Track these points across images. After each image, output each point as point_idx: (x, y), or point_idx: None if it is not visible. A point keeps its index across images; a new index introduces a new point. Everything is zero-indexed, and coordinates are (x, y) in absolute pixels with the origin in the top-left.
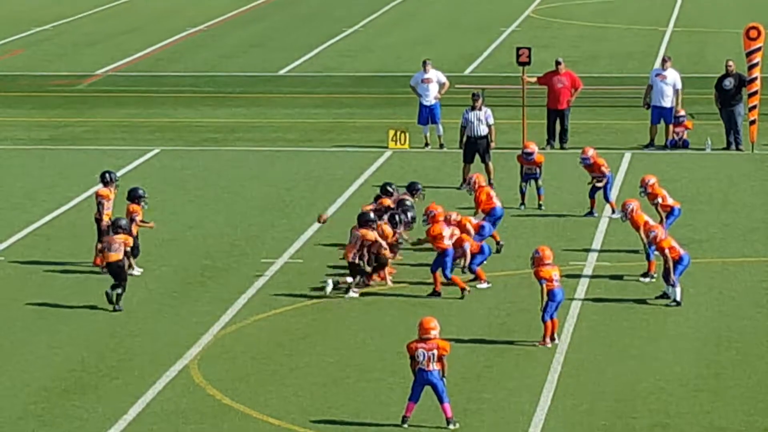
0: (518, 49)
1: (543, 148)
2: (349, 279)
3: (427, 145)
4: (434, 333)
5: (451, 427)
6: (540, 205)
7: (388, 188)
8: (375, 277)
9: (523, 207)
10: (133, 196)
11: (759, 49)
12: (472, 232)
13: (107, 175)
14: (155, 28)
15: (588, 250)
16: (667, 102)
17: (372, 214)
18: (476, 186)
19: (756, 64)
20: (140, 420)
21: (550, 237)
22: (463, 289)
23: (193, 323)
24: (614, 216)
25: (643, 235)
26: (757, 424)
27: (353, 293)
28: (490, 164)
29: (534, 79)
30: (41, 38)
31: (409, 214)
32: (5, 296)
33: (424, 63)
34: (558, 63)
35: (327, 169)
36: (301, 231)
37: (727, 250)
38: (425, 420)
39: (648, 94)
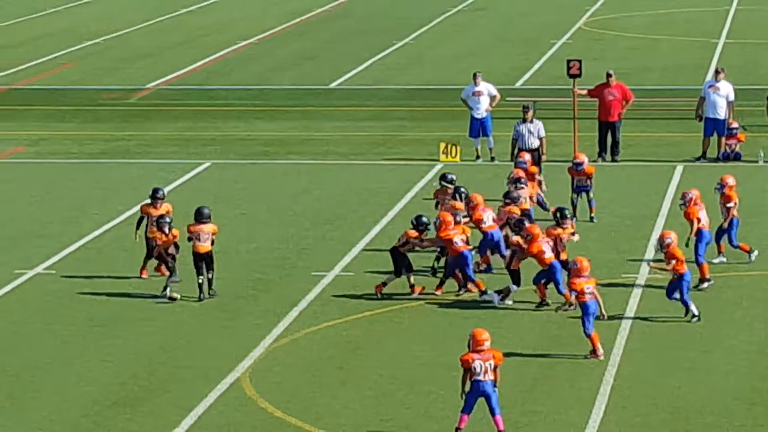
0: (569, 61)
1: (594, 161)
2: (513, 287)
3: (478, 158)
4: (487, 344)
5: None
6: (592, 218)
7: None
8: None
9: (575, 219)
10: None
11: None
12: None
13: (155, 191)
14: (206, 41)
15: (640, 261)
16: (721, 114)
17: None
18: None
19: None
20: None
21: (602, 249)
22: (541, 300)
23: (245, 336)
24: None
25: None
26: None
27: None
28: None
29: (585, 92)
30: (92, 52)
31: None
32: (57, 309)
33: (475, 75)
34: (609, 75)
35: (378, 183)
36: (353, 244)
37: None
38: None
39: (700, 106)
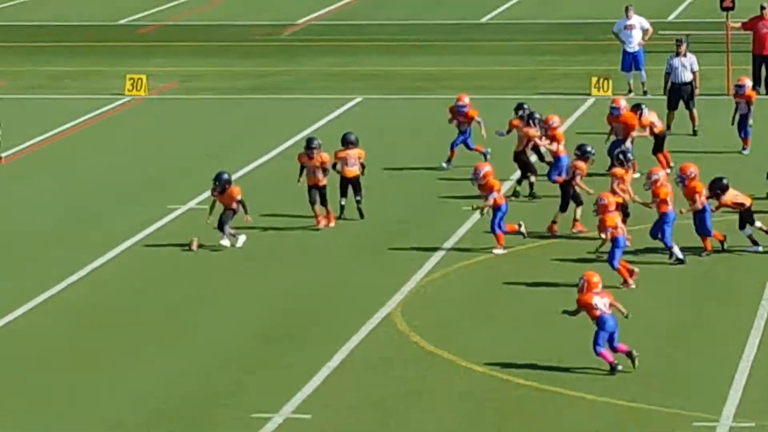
0: None
1: None
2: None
3: (630, 91)
4: (600, 286)
5: (635, 354)
6: (744, 149)
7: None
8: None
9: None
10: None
11: None
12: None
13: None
14: None
15: None
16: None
17: None
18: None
19: None
20: (344, 367)
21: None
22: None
23: (396, 271)
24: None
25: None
26: None
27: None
28: (695, 111)
29: (738, 25)
30: None
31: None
32: (210, 244)
33: (627, 9)
34: (763, 8)
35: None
36: (503, 180)
37: None
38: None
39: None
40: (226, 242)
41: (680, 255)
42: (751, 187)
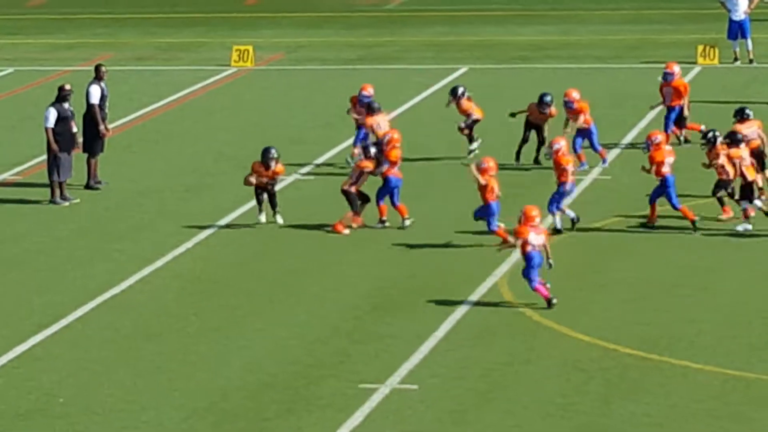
0: None
1: None
2: None
3: (736, 60)
4: (538, 220)
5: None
6: None
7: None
8: None
9: None
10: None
11: None
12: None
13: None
14: None
15: None
16: None
17: None
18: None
19: None
20: (450, 337)
21: None
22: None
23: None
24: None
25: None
26: None
27: None
28: None
29: None
30: None
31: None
32: (316, 214)
33: None
34: None
35: (634, 86)
36: (608, 148)
37: None
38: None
39: None
40: (263, 218)
41: (559, 225)
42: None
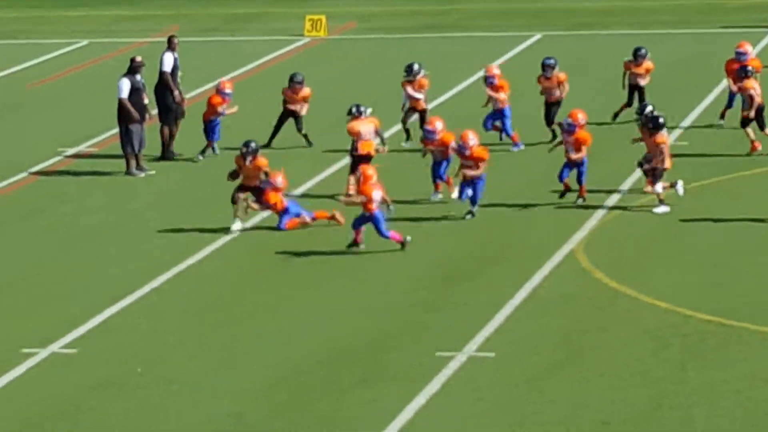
0: None
1: None
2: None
3: None
4: (375, 179)
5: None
6: None
7: None
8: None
9: None
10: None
11: None
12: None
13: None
14: None
15: None
16: None
17: None
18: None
19: None
20: (526, 305)
21: None
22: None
23: (578, 208)
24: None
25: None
26: None
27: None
28: None
29: None
30: None
31: None
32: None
33: None
34: None
35: (707, 52)
36: (683, 116)
37: None
38: None
39: None
40: (238, 225)
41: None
42: None
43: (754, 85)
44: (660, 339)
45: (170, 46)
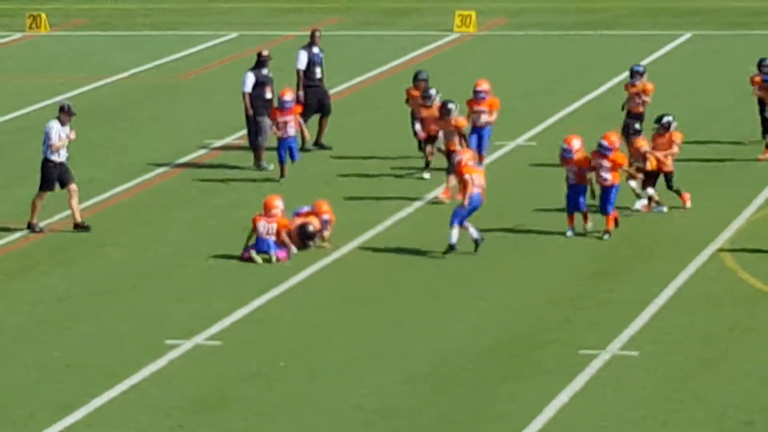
0: None
1: None
2: None
3: None
4: (275, 211)
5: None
6: None
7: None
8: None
9: None
10: None
11: None
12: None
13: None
14: None
15: None
16: None
17: None
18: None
19: None
20: (672, 304)
21: None
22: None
23: (725, 207)
24: None
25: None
26: None
27: None
28: None
29: None
30: None
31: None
32: (534, 185)
33: None
34: None
35: None
36: None
37: None
38: None
39: None
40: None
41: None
42: None
43: None
44: None
45: (312, 41)
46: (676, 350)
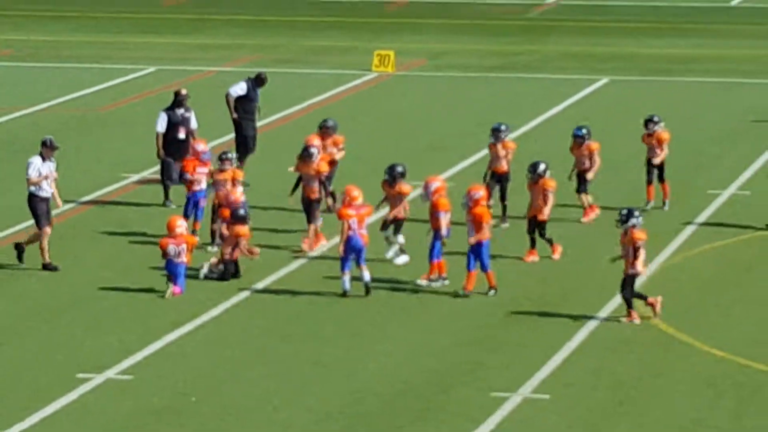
0: None
1: None
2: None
3: None
4: (179, 230)
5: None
6: None
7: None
8: None
9: None
10: None
11: None
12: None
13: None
14: None
15: None
16: None
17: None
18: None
19: None
20: (584, 348)
21: None
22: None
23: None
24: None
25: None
26: None
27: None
28: None
29: None
30: None
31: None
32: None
33: None
34: None
35: None
36: (750, 162)
37: None
38: None
39: None
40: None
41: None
42: None
43: None
44: (715, 387)
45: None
46: (587, 394)
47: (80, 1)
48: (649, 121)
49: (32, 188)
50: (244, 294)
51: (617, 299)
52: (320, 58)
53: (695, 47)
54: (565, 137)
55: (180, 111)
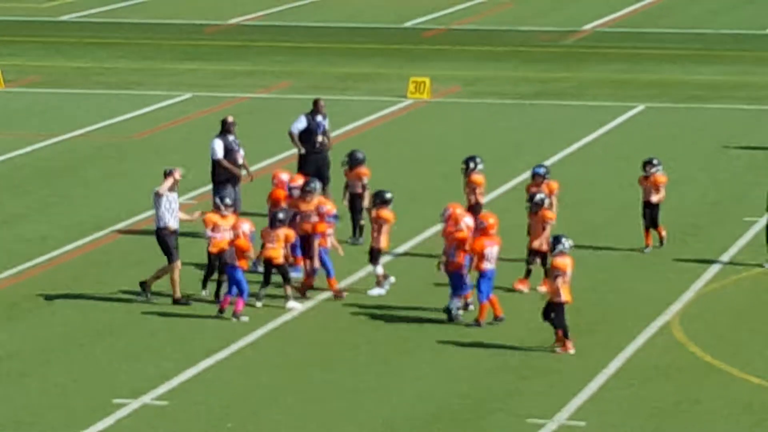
0: None
1: None
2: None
3: None
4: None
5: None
6: None
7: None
8: None
9: None
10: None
11: None
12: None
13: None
14: None
15: None
16: None
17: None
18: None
19: None
20: (620, 375)
21: None
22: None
23: (675, 280)
24: None
25: None
26: None
27: None
28: None
29: None
30: None
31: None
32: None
33: None
34: None
35: None
36: None
37: None
38: None
39: None
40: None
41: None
42: None
43: None
44: (753, 414)
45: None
46: (623, 422)
47: (125, 27)
48: (647, 164)
49: (159, 222)
50: (280, 320)
51: (653, 327)
52: (356, 85)
53: (727, 74)
54: (599, 164)
55: (231, 138)
